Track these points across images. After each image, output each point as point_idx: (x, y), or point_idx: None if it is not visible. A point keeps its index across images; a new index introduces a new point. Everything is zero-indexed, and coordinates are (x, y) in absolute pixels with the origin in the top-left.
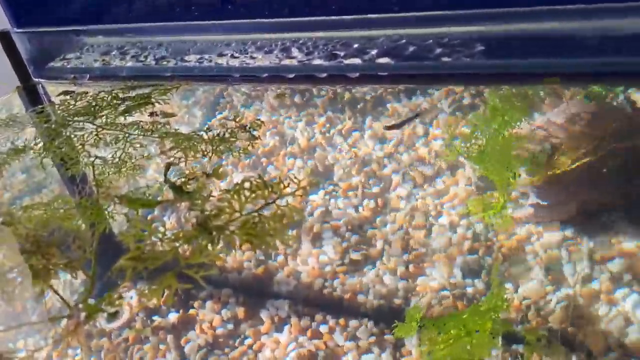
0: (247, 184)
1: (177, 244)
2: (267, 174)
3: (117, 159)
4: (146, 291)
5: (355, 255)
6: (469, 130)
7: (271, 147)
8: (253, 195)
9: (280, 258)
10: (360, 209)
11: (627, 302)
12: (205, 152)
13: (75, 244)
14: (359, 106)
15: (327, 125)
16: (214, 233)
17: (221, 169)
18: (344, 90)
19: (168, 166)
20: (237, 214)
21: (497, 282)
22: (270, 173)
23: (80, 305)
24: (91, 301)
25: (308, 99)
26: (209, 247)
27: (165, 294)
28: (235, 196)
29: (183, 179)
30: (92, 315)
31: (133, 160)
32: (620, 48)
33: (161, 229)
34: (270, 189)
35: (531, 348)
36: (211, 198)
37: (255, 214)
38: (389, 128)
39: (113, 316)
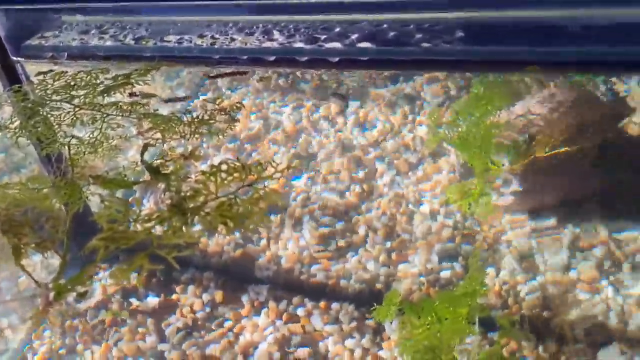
0: (224, 166)
1: (151, 225)
2: (250, 158)
3: (93, 139)
4: (116, 271)
5: (338, 241)
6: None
7: (256, 131)
8: (230, 177)
9: (263, 242)
10: (347, 194)
11: (606, 290)
12: (183, 134)
13: (48, 223)
14: (343, 91)
15: (313, 109)
16: (188, 214)
17: (197, 151)
18: (330, 75)
19: (145, 147)
20: (214, 196)
21: (475, 269)
22: (254, 157)
23: (50, 285)
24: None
25: (293, 83)
26: (184, 228)
27: (138, 275)
28: (212, 178)
29: (160, 161)
30: (60, 294)
31: (110, 141)
32: (601, 37)
33: (138, 210)
34: (248, 172)
35: (504, 333)
36: (189, 180)
37: (232, 196)
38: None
39: (82, 296)
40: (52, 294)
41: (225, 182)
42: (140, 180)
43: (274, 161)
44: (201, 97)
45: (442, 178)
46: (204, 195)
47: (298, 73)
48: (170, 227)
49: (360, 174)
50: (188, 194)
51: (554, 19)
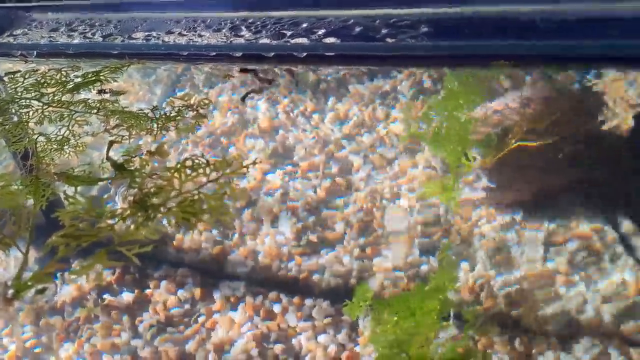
0: (189, 163)
1: (112, 222)
2: (227, 153)
3: (60, 136)
4: (78, 269)
5: (312, 237)
6: (428, 112)
7: (232, 127)
8: (194, 173)
9: (236, 238)
10: (322, 189)
11: (580, 283)
12: (150, 131)
13: (11, 220)
14: (321, 87)
15: (291, 105)
16: (150, 211)
17: (167, 147)
18: (307, 71)
19: (111, 144)
20: (177, 192)
21: (445, 264)
22: (230, 152)
23: (9, 282)
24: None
25: (271, 79)
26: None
27: (98, 273)
28: (177, 174)
29: (126, 157)
30: (20, 292)
31: (77, 138)
32: (571, 31)
33: (103, 206)
34: (212, 168)
35: (469, 326)
36: (155, 176)
37: (195, 192)
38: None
39: (41, 292)
40: (10, 292)
41: (190, 178)
42: (106, 177)
43: (242, 158)
44: (178, 93)
45: (417, 173)
46: (167, 191)
47: (277, 69)
48: (133, 224)
49: (336, 169)
50: (151, 190)
51: (522, 14)
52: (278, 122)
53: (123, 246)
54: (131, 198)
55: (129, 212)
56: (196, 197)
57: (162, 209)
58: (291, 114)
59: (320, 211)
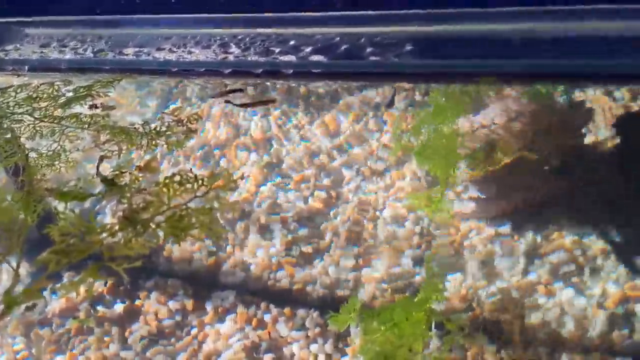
0: (177, 177)
1: (102, 237)
2: (218, 166)
3: (51, 152)
4: (67, 284)
5: (304, 248)
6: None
7: (224, 139)
8: (182, 188)
9: (229, 249)
10: (313, 200)
11: (565, 293)
12: (140, 146)
13: (2, 236)
14: (312, 100)
15: (283, 118)
16: (139, 226)
17: (154, 163)
18: (298, 84)
19: (101, 159)
20: (166, 207)
21: (431, 275)
22: (222, 165)
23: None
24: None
25: (263, 91)
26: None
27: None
28: (165, 189)
29: (116, 172)
30: (10, 307)
31: (67, 153)
32: (547, 50)
33: (94, 222)
34: (200, 183)
35: (452, 337)
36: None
37: (183, 207)
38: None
39: (31, 309)
40: (1, 307)
41: (177, 193)
42: (97, 192)
43: (231, 172)
44: (171, 107)
45: (406, 185)
46: (156, 206)
47: (269, 83)
48: (123, 239)
49: (327, 181)
50: (140, 205)
51: (500, 32)
52: (270, 134)
53: (113, 261)
54: (120, 213)
55: (118, 227)
56: (184, 212)
57: (151, 224)
58: (283, 127)
59: (312, 222)
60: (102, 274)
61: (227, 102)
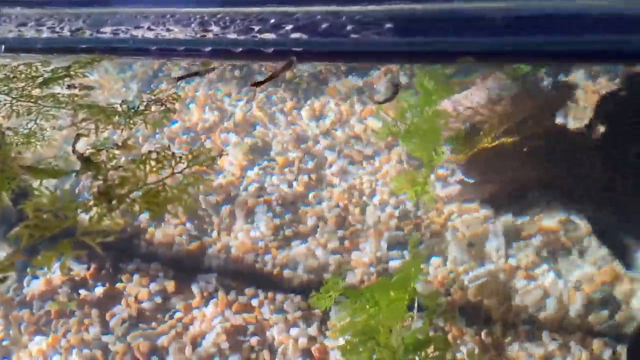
0: (154, 155)
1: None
2: (203, 148)
3: (27, 130)
4: (40, 259)
5: (288, 231)
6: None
7: (208, 122)
8: (160, 165)
9: (214, 233)
10: (298, 184)
11: (547, 276)
12: (117, 125)
13: None
14: (299, 84)
15: (267, 101)
16: (114, 202)
17: (130, 141)
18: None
19: (78, 137)
20: (142, 183)
21: (414, 257)
22: (205, 147)
23: None
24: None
25: (248, 74)
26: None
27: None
28: (142, 166)
29: (92, 150)
30: None
31: (44, 132)
32: (529, 27)
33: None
34: (177, 160)
35: (430, 315)
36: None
37: (160, 183)
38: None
39: (2, 281)
40: None
41: (154, 170)
42: (72, 169)
43: (209, 150)
44: (154, 88)
45: (392, 168)
46: (132, 183)
47: (255, 66)
48: (97, 214)
49: (313, 165)
50: (115, 182)
51: (480, 11)
52: (254, 118)
53: (86, 236)
54: (95, 190)
55: (92, 202)
56: (160, 188)
57: (127, 199)
58: (268, 110)
59: (296, 206)
60: (83, 257)
61: (255, 85)
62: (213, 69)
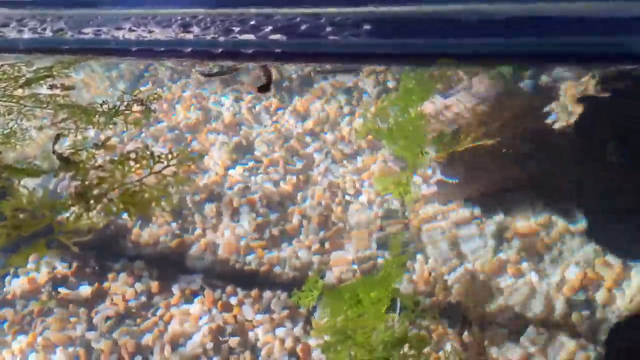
0: (132, 155)
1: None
2: (190, 148)
3: (7, 130)
4: (14, 258)
5: (273, 230)
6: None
7: (195, 122)
8: (138, 165)
9: (198, 231)
10: (284, 184)
11: (529, 276)
12: (98, 124)
13: None
14: (285, 84)
15: (254, 101)
16: (92, 202)
17: (110, 141)
18: (271, 67)
19: (57, 137)
20: (119, 184)
21: (394, 254)
22: (192, 147)
23: None
24: None
25: (233, 75)
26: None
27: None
28: (120, 166)
29: (72, 150)
30: None
31: (24, 131)
32: (508, 29)
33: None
34: (157, 160)
35: (409, 315)
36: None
37: (137, 183)
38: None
39: None
40: None
41: (132, 170)
42: (50, 169)
43: (186, 149)
44: (141, 88)
45: (375, 168)
46: (110, 183)
47: (241, 65)
48: (74, 214)
49: (298, 165)
50: (93, 182)
51: (458, 13)
52: (240, 118)
53: (63, 235)
54: (72, 190)
55: (70, 202)
56: (138, 188)
57: (104, 199)
58: (254, 110)
59: (281, 205)
60: (67, 256)
61: (261, 90)
62: (237, 69)
